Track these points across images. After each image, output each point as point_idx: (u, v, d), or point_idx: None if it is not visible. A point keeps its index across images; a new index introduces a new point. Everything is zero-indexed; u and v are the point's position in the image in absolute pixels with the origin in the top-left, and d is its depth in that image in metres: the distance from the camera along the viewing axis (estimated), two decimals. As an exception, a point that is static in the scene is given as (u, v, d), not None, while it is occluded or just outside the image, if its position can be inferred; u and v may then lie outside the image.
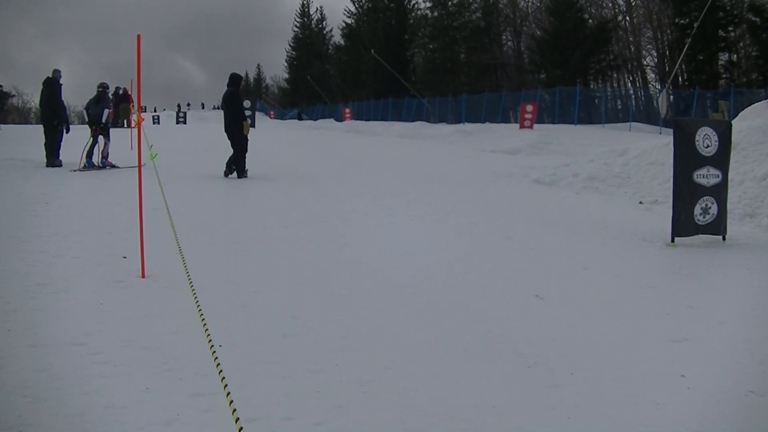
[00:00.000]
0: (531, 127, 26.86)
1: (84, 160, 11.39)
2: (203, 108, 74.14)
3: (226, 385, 2.40)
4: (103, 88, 12.09)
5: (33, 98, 56.84)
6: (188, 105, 56.79)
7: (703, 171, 7.18)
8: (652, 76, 42.11)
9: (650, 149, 11.24)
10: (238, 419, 2.11)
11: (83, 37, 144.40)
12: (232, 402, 2.25)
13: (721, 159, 7.34)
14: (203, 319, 3.24)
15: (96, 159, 11.61)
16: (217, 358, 2.69)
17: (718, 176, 7.29)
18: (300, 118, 49.69)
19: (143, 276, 5.08)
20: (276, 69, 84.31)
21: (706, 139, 7.19)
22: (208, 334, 3.01)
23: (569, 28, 38.49)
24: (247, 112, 15.23)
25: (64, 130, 11.79)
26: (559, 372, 3.66)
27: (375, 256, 6.32)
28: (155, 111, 60.26)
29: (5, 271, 5.11)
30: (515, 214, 8.84)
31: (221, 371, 2.54)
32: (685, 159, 7.12)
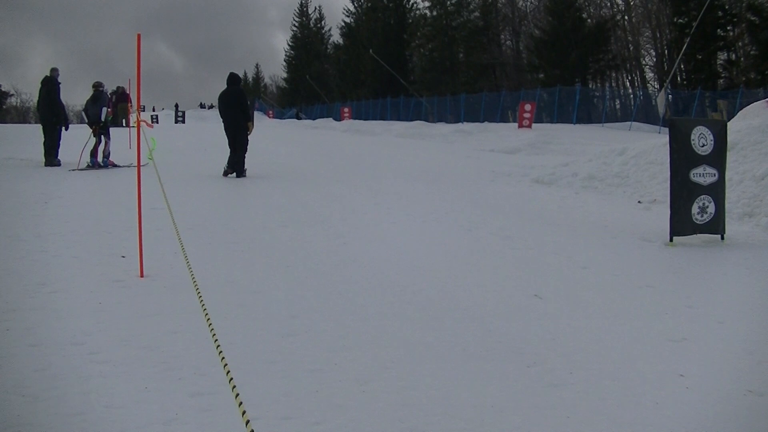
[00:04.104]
0: (529, 126, 26.90)
1: (88, 159, 11.45)
2: (203, 107, 74.17)
3: (231, 378, 2.39)
4: (96, 87, 12.09)
5: (32, 98, 56.77)
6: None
7: (699, 170, 7.19)
8: (651, 75, 42.20)
9: (649, 149, 11.25)
10: (244, 412, 2.10)
11: (48, 22, 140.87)
12: (238, 395, 2.24)
13: (717, 158, 7.35)
14: (208, 317, 3.24)
15: (99, 158, 11.65)
16: (221, 352, 2.68)
17: (715, 175, 7.30)
18: (298, 118, 49.70)
19: (142, 275, 5.08)
20: (258, 52, 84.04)
21: (701, 138, 7.20)
22: (213, 331, 3.00)
23: (568, 28, 38.54)
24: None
25: (63, 129, 11.80)
26: (558, 371, 3.67)
27: (374, 255, 6.32)
28: (153, 110, 60.24)
29: (4, 271, 5.11)
30: (514, 214, 8.84)
31: (226, 365, 2.53)
32: (682, 158, 7.13)
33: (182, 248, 4.87)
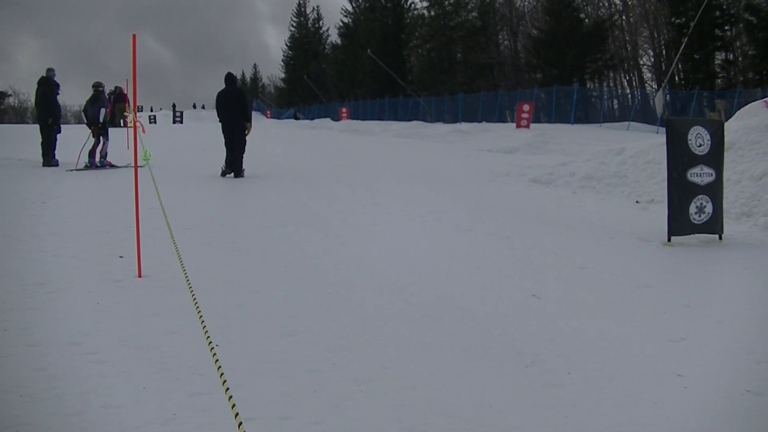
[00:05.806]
0: (527, 126, 26.93)
1: (86, 159, 11.45)
2: (195, 107, 74.24)
3: (224, 381, 2.39)
4: (95, 87, 12.07)
5: (29, 97, 56.67)
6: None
7: (696, 170, 7.20)
8: (649, 75, 42.27)
9: (647, 148, 11.26)
10: (237, 414, 2.10)
11: (33, 17, 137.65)
12: (231, 398, 2.24)
13: (715, 158, 7.36)
14: (201, 318, 3.23)
15: (96, 158, 11.64)
16: (216, 355, 2.68)
17: (712, 175, 7.31)
18: (296, 118, 49.67)
19: (140, 275, 5.07)
20: (249, 47, 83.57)
21: (698, 138, 7.22)
22: (206, 332, 3.00)
23: (566, 28, 38.60)
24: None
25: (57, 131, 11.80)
26: (557, 371, 3.67)
27: (373, 255, 6.32)
28: (152, 110, 60.20)
29: (3, 270, 5.10)
30: (513, 214, 8.84)
31: (220, 368, 2.53)
32: (679, 158, 7.14)
33: (176, 249, 4.86)
